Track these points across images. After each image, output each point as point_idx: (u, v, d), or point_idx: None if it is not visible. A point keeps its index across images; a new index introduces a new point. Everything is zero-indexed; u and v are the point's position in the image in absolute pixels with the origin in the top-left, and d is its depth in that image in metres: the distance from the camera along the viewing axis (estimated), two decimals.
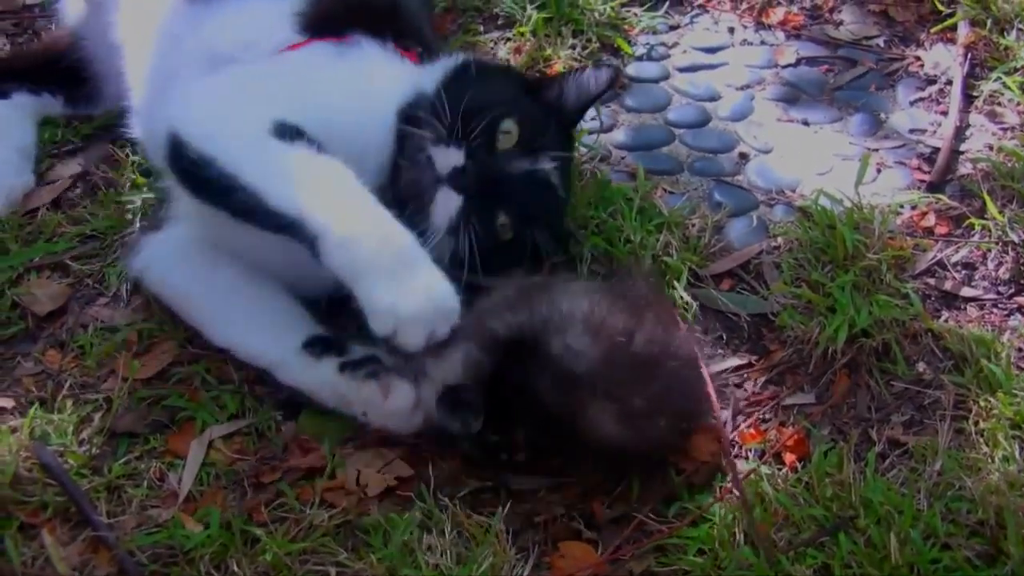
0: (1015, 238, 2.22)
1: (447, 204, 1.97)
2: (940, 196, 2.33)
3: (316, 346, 2.00)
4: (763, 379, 2.06)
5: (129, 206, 2.30)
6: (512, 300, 1.91)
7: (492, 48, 2.69)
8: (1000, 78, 2.56)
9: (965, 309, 2.16)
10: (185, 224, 2.12)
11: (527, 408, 1.84)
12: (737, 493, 1.83)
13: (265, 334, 2.05)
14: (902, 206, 2.31)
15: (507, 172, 2.00)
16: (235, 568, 1.77)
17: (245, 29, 2.16)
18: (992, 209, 2.27)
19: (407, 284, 1.82)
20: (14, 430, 1.95)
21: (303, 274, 2.02)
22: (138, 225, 2.27)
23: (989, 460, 1.87)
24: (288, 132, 1.91)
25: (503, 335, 1.84)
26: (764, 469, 1.88)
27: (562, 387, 1.81)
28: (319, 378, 1.98)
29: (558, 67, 2.59)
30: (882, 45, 2.76)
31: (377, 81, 2.10)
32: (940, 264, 2.22)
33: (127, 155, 2.40)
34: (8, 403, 2.02)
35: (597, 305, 1.86)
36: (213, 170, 1.89)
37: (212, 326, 2.09)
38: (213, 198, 1.93)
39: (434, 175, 1.97)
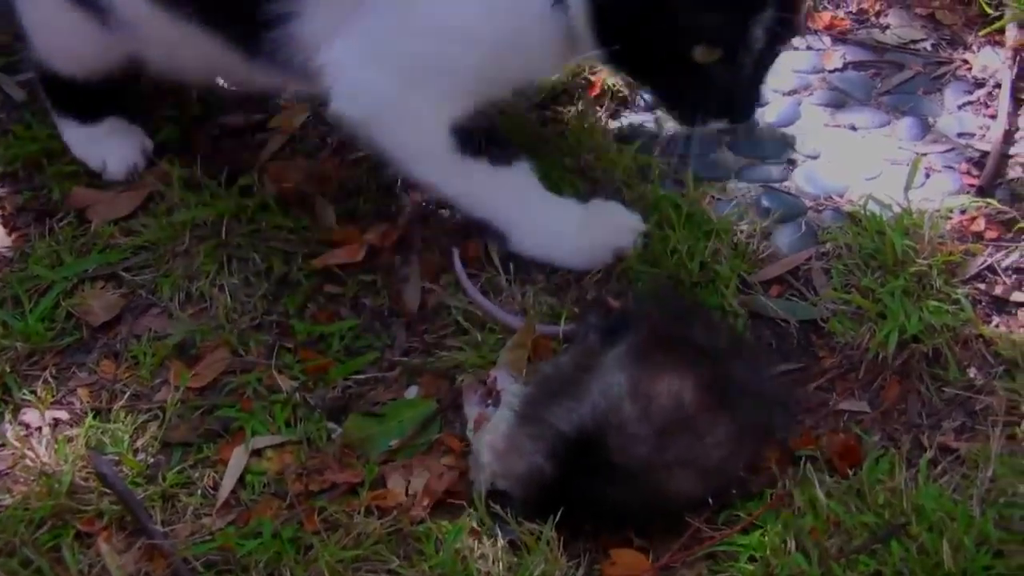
0: None
1: None
2: (990, 200, 2.31)
3: None
4: (813, 385, 2.06)
5: (181, 218, 2.33)
6: (570, 376, 1.91)
7: None
8: None
9: (1016, 314, 2.14)
10: None
11: (599, 511, 1.84)
12: (789, 500, 1.83)
13: None
14: (952, 211, 2.30)
15: None
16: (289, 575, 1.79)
17: None
18: None
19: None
20: (70, 440, 1.98)
21: None
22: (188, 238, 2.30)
23: None
24: (462, 137, 2.09)
25: (568, 434, 1.82)
26: (816, 475, 1.87)
27: (633, 481, 1.80)
28: None
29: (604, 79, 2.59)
30: (929, 49, 2.74)
31: None
32: (991, 269, 2.20)
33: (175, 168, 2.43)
34: (63, 415, 2.05)
35: (637, 375, 1.84)
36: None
37: None
38: None
39: None
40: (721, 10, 1.92)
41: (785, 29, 1.97)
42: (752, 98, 2.07)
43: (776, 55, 2.03)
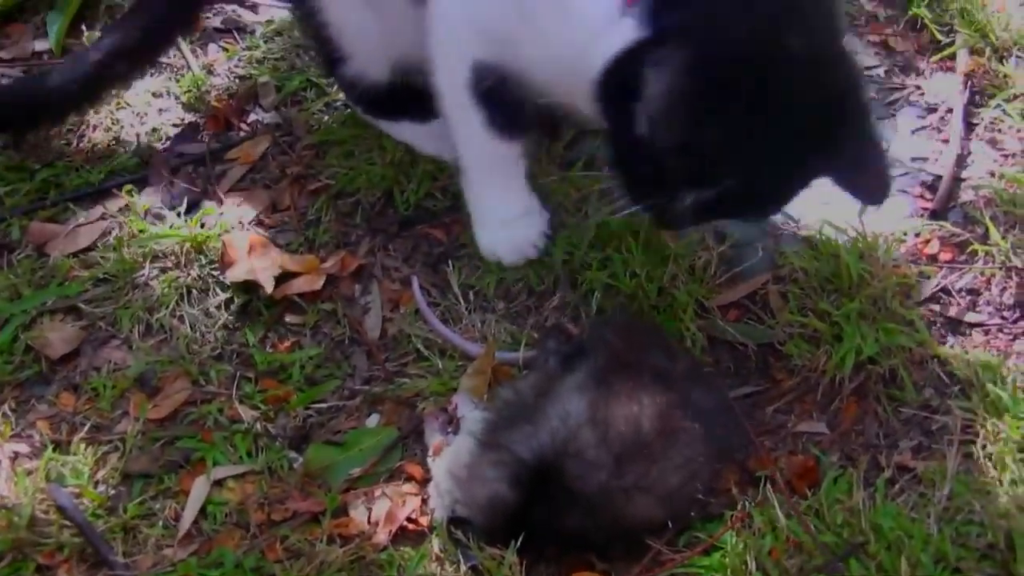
0: (1018, 263, 2.24)
1: None
2: (943, 223, 2.34)
3: None
4: (772, 408, 2.08)
5: (140, 250, 2.32)
6: (530, 402, 1.93)
7: None
8: (1000, 105, 2.58)
9: (970, 334, 2.17)
10: None
11: (561, 536, 1.85)
12: (749, 521, 1.84)
13: None
14: (906, 234, 2.33)
15: None
16: None
17: None
18: (995, 235, 2.29)
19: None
20: (29, 473, 1.97)
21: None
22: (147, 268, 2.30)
23: (997, 483, 1.89)
24: (483, 77, 2.05)
25: (528, 461, 1.83)
26: (775, 496, 1.89)
27: (593, 506, 1.81)
28: None
29: None
30: (882, 75, 2.77)
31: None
32: (945, 291, 2.23)
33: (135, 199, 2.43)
34: (23, 448, 2.04)
35: (595, 401, 1.86)
36: None
37: None
38: None
39: None
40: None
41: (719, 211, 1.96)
42: (667, 226, 2.12)
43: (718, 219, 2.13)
